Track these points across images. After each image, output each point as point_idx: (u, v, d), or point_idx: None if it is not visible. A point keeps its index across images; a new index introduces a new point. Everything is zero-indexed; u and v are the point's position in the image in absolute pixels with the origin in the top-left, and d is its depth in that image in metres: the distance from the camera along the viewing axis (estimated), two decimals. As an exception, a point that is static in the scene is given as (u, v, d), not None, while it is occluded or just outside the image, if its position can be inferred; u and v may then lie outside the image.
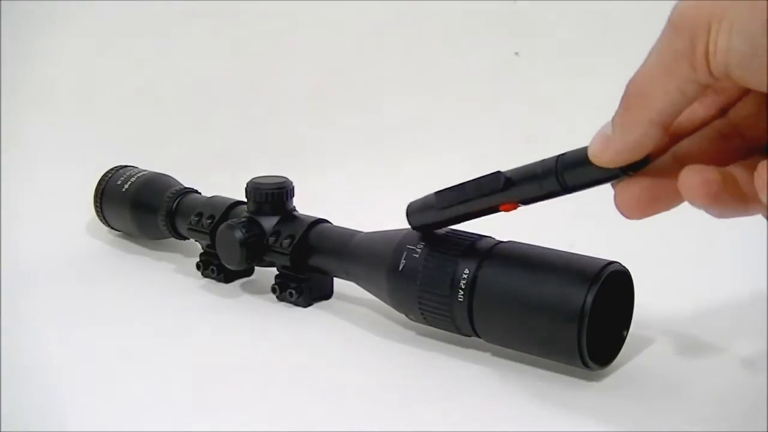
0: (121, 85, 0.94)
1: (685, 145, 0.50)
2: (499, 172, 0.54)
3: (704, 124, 0.50)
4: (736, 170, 0.46)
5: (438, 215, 0.59)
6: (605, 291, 0.55)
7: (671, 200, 0.49)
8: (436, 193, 0.58)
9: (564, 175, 0.51)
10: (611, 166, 0.48)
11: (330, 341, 0.64)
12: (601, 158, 0.48)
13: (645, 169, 0.49)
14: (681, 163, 0.47)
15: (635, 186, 0.49)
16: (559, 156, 0.51)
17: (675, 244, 0.72)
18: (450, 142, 0.91)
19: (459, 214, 0.58)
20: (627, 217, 0.50)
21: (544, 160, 0.52)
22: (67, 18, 0.93)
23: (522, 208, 0.55)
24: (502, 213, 0.56)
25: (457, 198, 0.57)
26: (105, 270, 0.78)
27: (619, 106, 0.47)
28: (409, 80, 0.94)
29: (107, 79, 0.94)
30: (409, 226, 0.61)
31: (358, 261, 0.65)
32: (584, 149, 0.49)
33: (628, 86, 0.46)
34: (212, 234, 0.71)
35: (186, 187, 0.77)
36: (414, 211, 0.60)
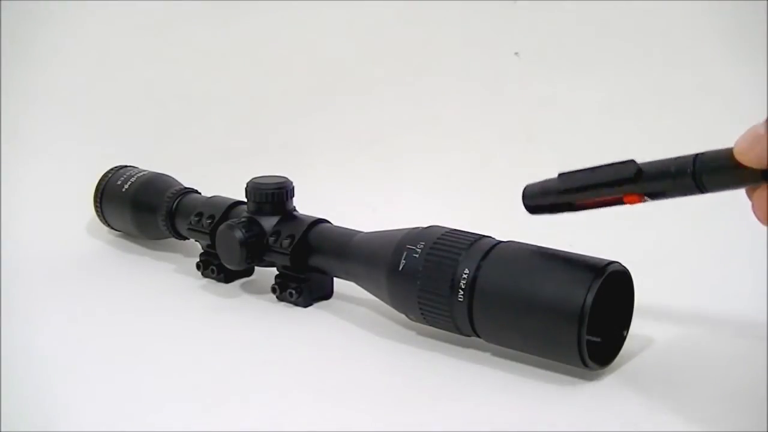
0: (120, 84, 0.94)
1: None
2: (632, 160, 0.52)
3: None
4: None
5: (557, 199, 0.56)
6: (605, 291, 0.55)
7: None
8: (560, 174, 0.56)
9: (702, 174, 0.49)
10: (756, 165, 0.46)
11: (330, 341, 0.64)
12: (747, 155, 0.46)
13: None
14: None
15: None
16: (697, 154, 0.49)
17: (675, 244, 0.72)
18: (450, 142, 0.91)
19: (580, 200, 0.55)
20: (764, 223, 0.48)
21: (679, 157, 0.50)
22: (67, 18, 0.93)
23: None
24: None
25: (582, 181, 0.54)
26: (105, 270, 0.78)
27: None
28: (409, 80, 0.94)
29: (107, 79, 0.94)
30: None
31: (358, 261, 0.65)
32: (726, 150, 0.47)
33: None
34: (212, 234, 0.71)
35: (186, 187, 0.77)
36: (531, 193, 0.58)
